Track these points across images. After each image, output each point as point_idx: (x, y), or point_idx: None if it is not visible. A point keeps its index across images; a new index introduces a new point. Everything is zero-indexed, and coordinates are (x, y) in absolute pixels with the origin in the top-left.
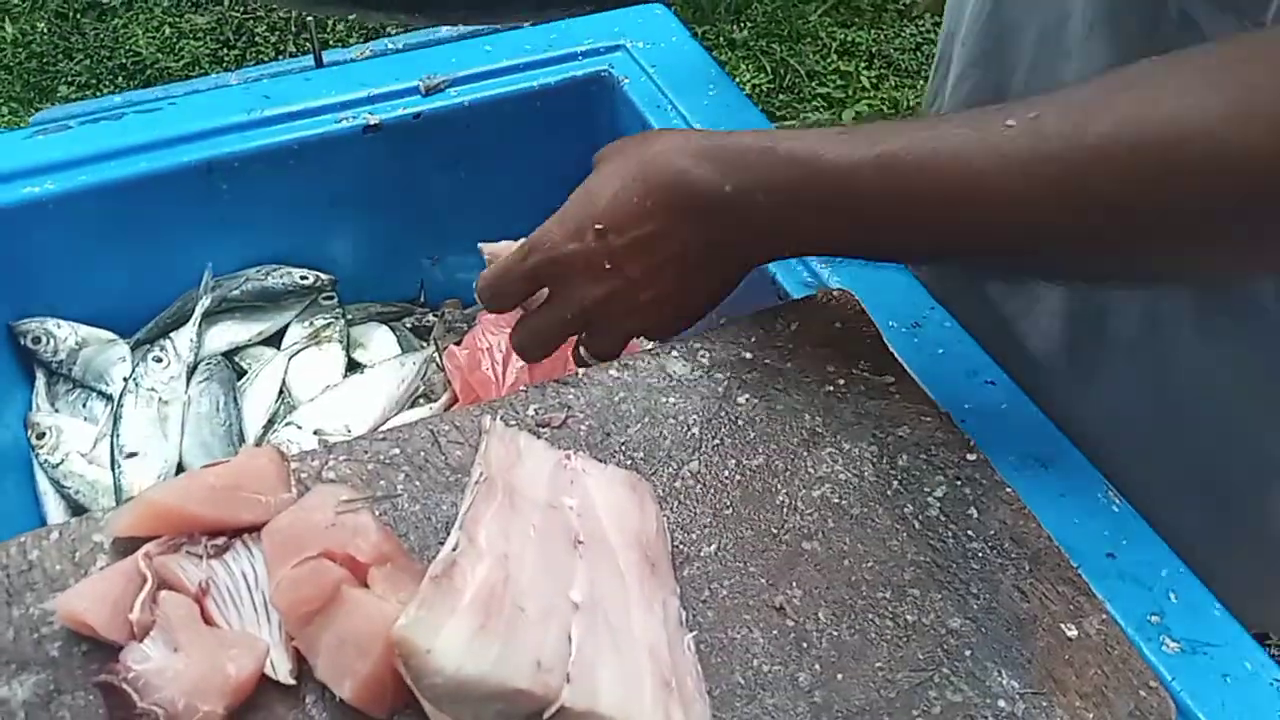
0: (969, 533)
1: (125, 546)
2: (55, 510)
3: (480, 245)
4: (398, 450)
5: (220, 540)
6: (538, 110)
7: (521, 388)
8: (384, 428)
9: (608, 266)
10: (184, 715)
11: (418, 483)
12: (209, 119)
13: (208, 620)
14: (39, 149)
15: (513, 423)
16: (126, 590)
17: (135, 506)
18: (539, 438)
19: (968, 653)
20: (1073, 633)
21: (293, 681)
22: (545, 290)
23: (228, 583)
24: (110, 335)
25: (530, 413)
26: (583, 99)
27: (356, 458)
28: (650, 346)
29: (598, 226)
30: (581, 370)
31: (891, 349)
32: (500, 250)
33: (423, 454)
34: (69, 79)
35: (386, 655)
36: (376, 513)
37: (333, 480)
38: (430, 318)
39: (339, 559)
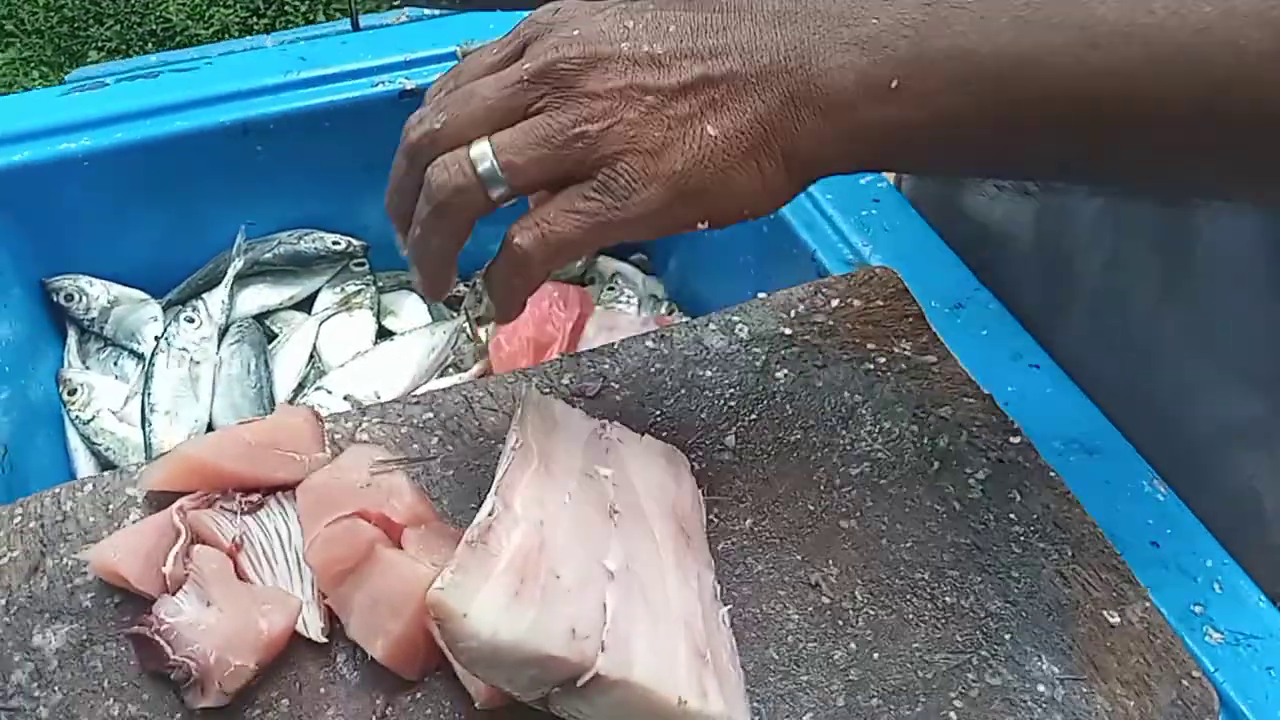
0: (1011, 516)
1: (158, 501)
2: (85, 466)
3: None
4: (431, 415)
5: (254, 497)
6: None
7: (556, 356)
8: (416, 393)
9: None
10: (216, 669)
11: (451, 448)
12: (245, 80)
13: (240, 576)
14: (74, 106)
15: (548, 391)
16: (160, 543)
17: (169, 461)
18: (574, 407)
19: (1007, 636)
20: (1115, 620)
21: (324, 640)
22: None
23: (261, 539)
24: (142, 295)
25: (565, 382)
26: None
27: (390, 421)
28: (685, 319)
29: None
30: (618, 341)
31: (934, 329)
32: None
33: (456, 419)
34: (99, 44)
35: (419, 616)
36: (410, 476)
37: (366, 442)
38: (461, 287)
39: (373, 519)
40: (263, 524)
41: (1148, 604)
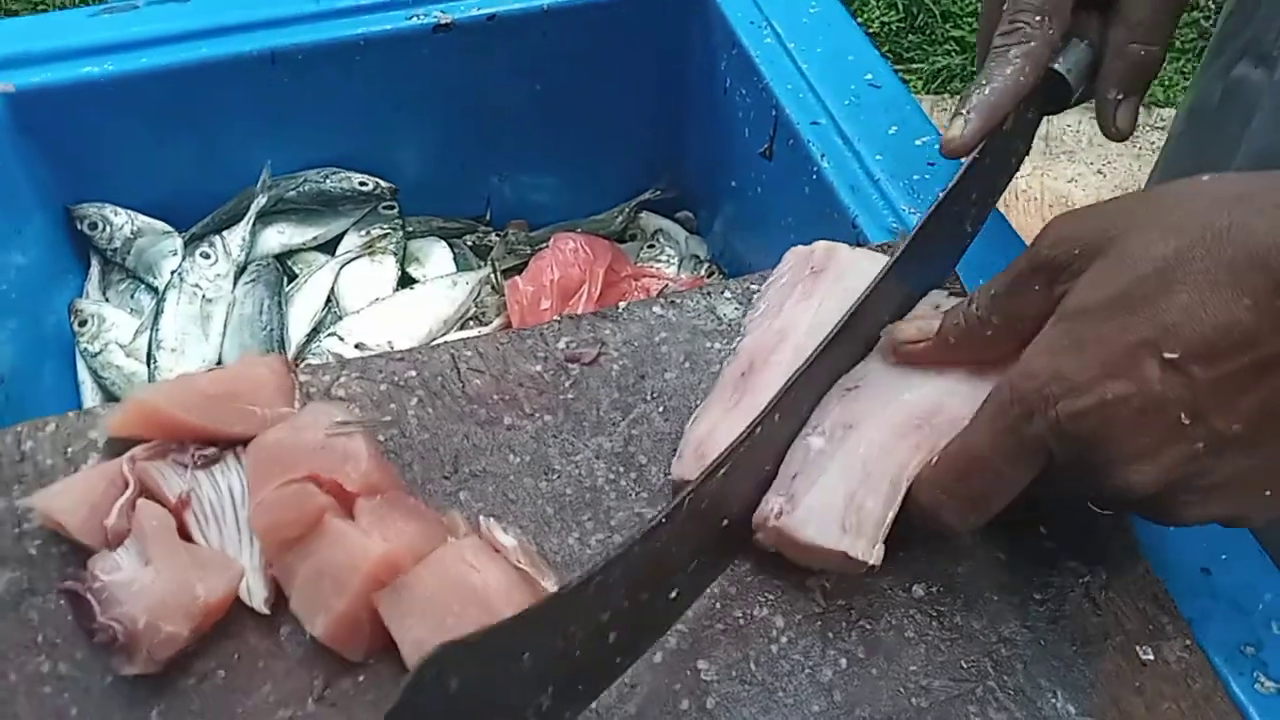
0: (1041, 529)
1: (119, 447)
2: (91, 400)
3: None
4: (414, 372)
5: (210, 451)
6: (621, 19)
7: (555, 317)
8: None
9: (1185, 421)
10: (144, 635)
11: (430, 410)
12: (275, 7)
13: (186, 535)
14: (102, 28)
15: (541, 355)
16: (107, 494)
17: (125, 406)
18: (567, 374)
19: (1020, 666)
20: (1148, 656)
21: (267, 611)
22: None
23: (211, 497)
24: (166, 227)
25: (561, 345)
26: (670, 10)
27: (370, 376)
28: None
29: (1168, 355)
30: (623, 304)
31: None
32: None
33: (440, 379)
34: None
35: (364, 593)
36: (381, 438)
37: (341, 398)
38: (493, 237)
39: (325, 485)
40: (215, 480)
41: (1189, 641)
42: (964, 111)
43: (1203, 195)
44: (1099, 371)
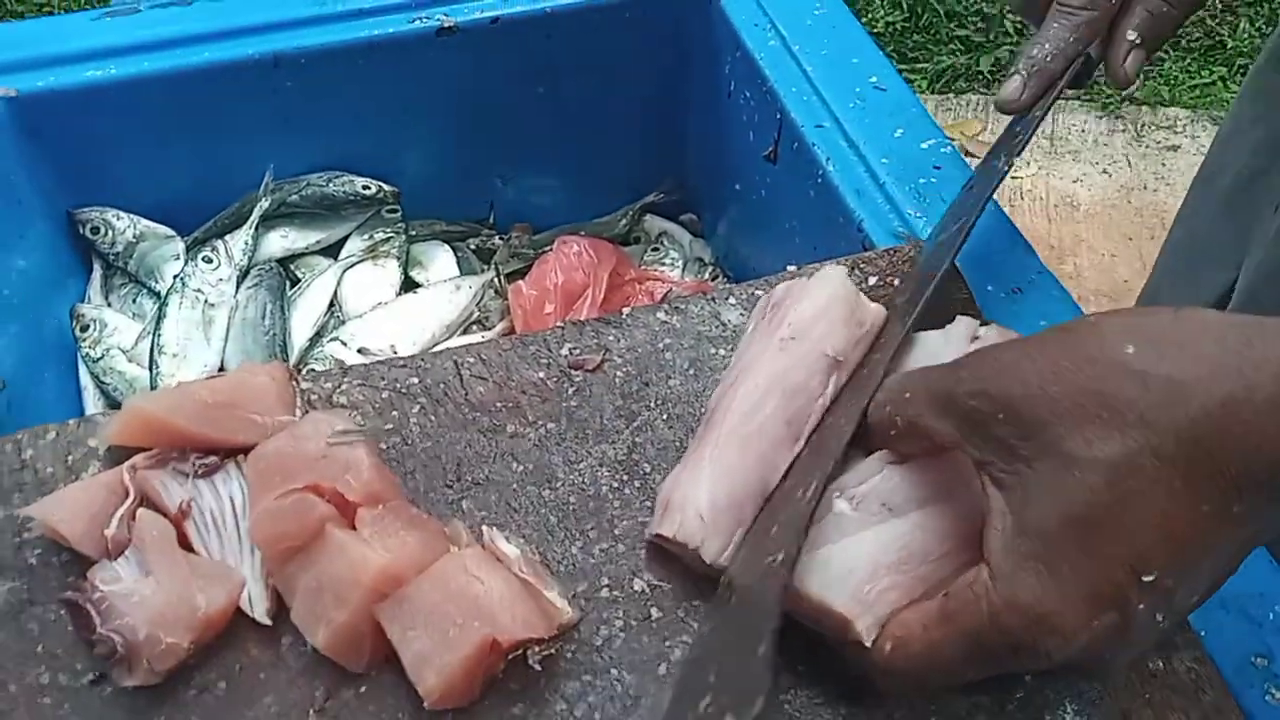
0: None
1: (119, 455)
2: (94, 406)
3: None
4: (416, 379)
5: (210, 460)
6: (625, 22)
7: (558, 323)
8: (415, 352)
9: (1160, 619)
10: (145, 645)
11: (432, 417)
12: (278, 11)
13: (186, 545)
14: (105, 31)
15: (544, 361)
16: (107, 503)
17: (123, 415)
18: (571, 381)
19: (1027, 679)
20: (1157, 667)
21: (268, 622)
22: None
23: (213, 506)
24: (169, 231)
25: (564, 352)
26: (674, 12)
27: (372, 383)
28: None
29: (1145, 578)
30: (627, 310)
31: (983, 315)
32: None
33: (442, 386)
34: None
35: (365, 604)
36: (383, 446)
37: (343, 406)
38: (496, 240)
39: (327, 494)
40: (216, 489)
41: (1199, 652)
42: (1021, 70)
43: (1131, 373)
44: (1084, 608)
